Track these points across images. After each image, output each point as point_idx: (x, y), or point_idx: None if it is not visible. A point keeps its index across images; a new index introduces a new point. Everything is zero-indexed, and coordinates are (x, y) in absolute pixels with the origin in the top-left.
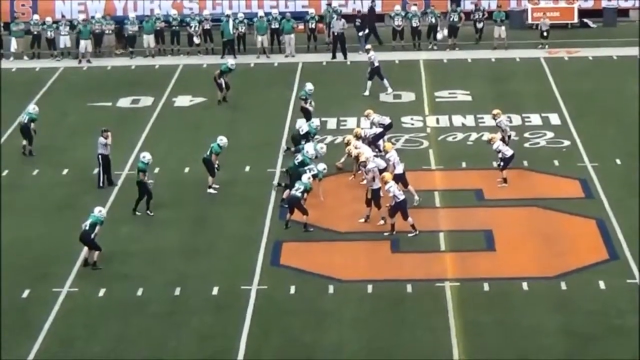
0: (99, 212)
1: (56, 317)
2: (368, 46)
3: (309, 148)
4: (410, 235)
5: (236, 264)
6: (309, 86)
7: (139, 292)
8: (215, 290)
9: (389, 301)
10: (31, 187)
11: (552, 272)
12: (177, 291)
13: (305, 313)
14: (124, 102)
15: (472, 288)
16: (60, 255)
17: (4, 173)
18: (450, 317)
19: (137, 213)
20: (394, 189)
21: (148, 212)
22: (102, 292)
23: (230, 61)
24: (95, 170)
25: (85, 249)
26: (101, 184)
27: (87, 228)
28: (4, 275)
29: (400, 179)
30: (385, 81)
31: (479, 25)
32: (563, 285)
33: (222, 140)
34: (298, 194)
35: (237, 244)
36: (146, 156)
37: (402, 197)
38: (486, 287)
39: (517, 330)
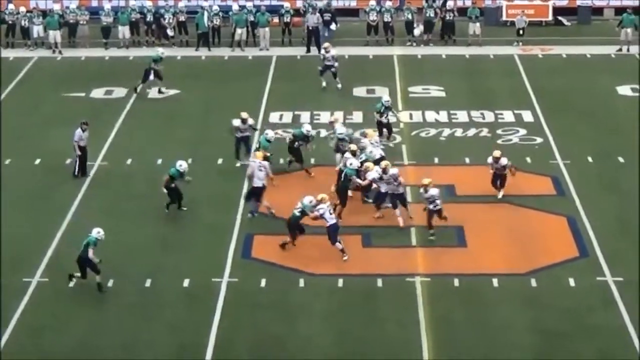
0: (97, 233)
1: (26, 306)
2: (326, 44)
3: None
4: (344, 258)
5: (207, 257)
6: (386, 97)
7: (110, 283)
8: (186, 283)
9: (359, 295)
10: (3, 176)
11: (522, 269)
12: (148, 283)
13: (275, 306)
14: (98, 93)
15: (442, 284)
16: (31, 245)
17: None
18: (420, 313)
19: (183, 208)
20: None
21: (183, 207)
22: (72, 283)
23: (159, 49)
24: (69, 161)
25: (56, 241)
26: (76, 173)
27: (82, 250)
28: None
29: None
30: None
31: (447, 19)
32: (533, 282)
33: (182, 166)
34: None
35: (208, 237)
36: (182, 165)
37: (332, 221)
38: (456, 282)
39: (487, 326)
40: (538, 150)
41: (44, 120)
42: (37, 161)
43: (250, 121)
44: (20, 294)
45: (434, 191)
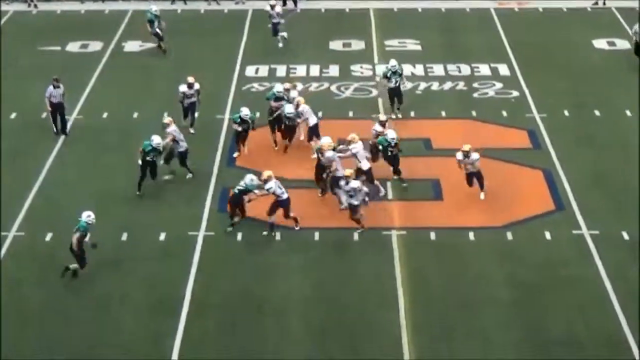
0: (87, 216)
1: (2, 261)
2: (272, 2)
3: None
4: (296, 228)
5: (184, 210)
6: (392, 62)
7: (86, 238)
8: (162, 236)
9: (335, 249)
10: None
11: (498, 222)
12: (124, 236)
13: (251, 260)
14: (73, 47)
15: (418, 237)
16: (7, 200)
17: None
18: (396, 266)
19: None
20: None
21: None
22: (49, 237)
23: (152, 7)
24: (44, 115)
25: (32, 195)
26: (55, 131)
27: (77, 241)
28: None
29: (366, 174)
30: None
31: None
32: (509, 235)
33: (154, 141)
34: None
35: (184, 191)
36: (154, 139)
37: (284, 196)
38: (433, 236)
39: (463, 279)
40: (514, 104)
41: (20, 75)
42: (13, 115)
43: (197, 86)
44: None
45: (475, 156)
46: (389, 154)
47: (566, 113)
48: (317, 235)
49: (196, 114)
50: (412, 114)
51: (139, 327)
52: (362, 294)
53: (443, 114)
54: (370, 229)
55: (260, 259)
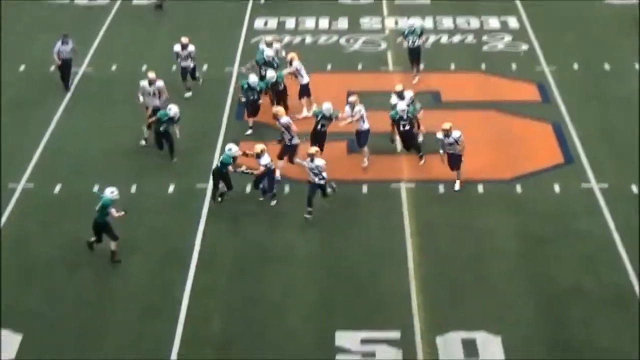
0: (111, 192)
1: (11, 213)
2: None
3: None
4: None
5: (192, 163)
6: (411, 21)
7: (95, 188)
8: (171, 189)
9: (344, 202)
10: None
11: (507, 175)
12: (133, 188)
13: (260, 212)
14: (81, 0)
15: (427, 190)
16: (17, 151)
17: None
18: (405, 218)
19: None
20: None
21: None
22: (57, 189)
23: None
24: (53, 68)
25: (40, 147)
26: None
27: (97, 215)
28: None
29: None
30: None
31: None
32: (518, 188)
33: (172, 110)
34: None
35: (194, 142)
36: (172, 109)
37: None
38: (441, 189)
39: (471, 231)
40: (523, 57)
41: (29, 28)
42: (22, 67)
43: (191, 48)
44: (6, 201)
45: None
46: (401, 128)
47: (575, 67)
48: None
49: (196, 74)
50: (421, 66)
51: (149, 278)
52: (370, 247)
53: (452, 67)
54: (379, 181)
55: (268, 210)
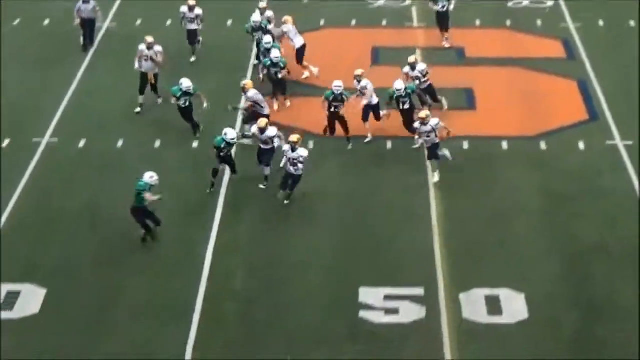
0: (150, 177)
1: (35, 168)
2: None
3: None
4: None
5: (216, 120)
6: None
7: (119, 144)
8: (195, 144)
9: (369, 157)
10: (12, 37)
11: (532, 132)
12: (157, 143)
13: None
14: None
15: (451, 146)
16: (41, 106)
17: None
18: (428, 174)
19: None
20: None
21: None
22: (82, 143)
23: None
24: (78, 21)
25: (65, 102)
26: (84, 45)
27: (134, 201)
28: None
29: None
30: None
31: None
32: (543, 145)
33: (183, 84)
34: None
35: (215, 98)
36: (183, 83)
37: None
38: (466, 145)
39: (495, 188)
40: (549, 13)
41: None
42: (46, 22)
43: (198, 11)
44: (30, 155)
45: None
46: (401, 106)
47: (601, 23)
48: (350, 144)
49: (199, 43)
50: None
51: (172, 235)
52: (394, 204)
53: (477, 23)
54: (404, 137)
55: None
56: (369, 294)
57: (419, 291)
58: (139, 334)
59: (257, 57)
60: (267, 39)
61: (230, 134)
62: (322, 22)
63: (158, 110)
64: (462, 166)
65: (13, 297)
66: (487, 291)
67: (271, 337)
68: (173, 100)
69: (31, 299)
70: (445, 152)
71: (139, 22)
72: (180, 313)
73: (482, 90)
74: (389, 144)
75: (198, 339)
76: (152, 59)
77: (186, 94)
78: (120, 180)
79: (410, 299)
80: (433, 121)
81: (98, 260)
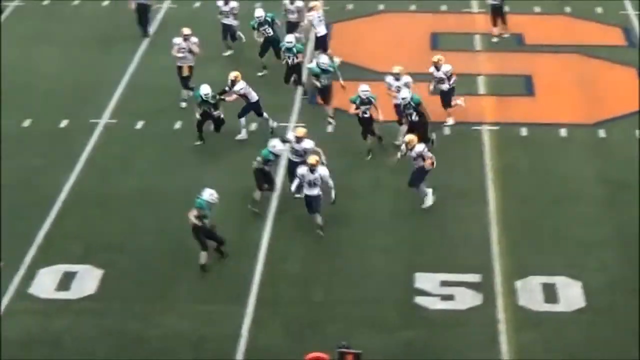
0: (210, 195)
1: (94, 148)
2: None
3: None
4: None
5: (273, 100)
6: None
7: (177, 125)
8: (253, 127)
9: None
10: (71, 15)
11: (590, 120)
12: (212, 126)
13: (345, 153)
14: None
15: (509, 132)
16: (99, 87)
17: (45, 2)
18: (486, 161)
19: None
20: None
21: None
22: (140, 125)
23: None
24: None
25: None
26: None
27: (196, 219)
28: (44, 104)
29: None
30: None
31: None
32: (601, 133)
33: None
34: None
35: (272, 81)
36: (277, 145)
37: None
38: (524, 132)
39: (552, 176)
40: (609, 1)
41: None
42: (105, 3)
43: (233, 4)
44: (88, 135)
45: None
46: (410, 118)
47: None
48: (406, 129)
49: (238, 34)
50: (507, 8)
51: (230, 216)
52: (451, 189)
53: (537, 10)
54: (461, 123)
55: (353, 150)
56: (425, 280)
57: (475, 277)
58: (196, 314)
59: (261, 53)
60: (289, 38)
61: (278, 145)
62: (380, 7)
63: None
64: (520, 152)
65: (70, 277)
66: (544, 279)
67: (326, 321)
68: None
69: (88, 280)
70: (428, 194)
71: (197, 4)
72: (237, 294)
73: (541, 77)
74: (447, 129)
75: (254, 320)
76: (189, 51)
77: (205, 101)
78: (177, 162)
79: (466, 285)
80: (418, 147)
81: (155, 240)
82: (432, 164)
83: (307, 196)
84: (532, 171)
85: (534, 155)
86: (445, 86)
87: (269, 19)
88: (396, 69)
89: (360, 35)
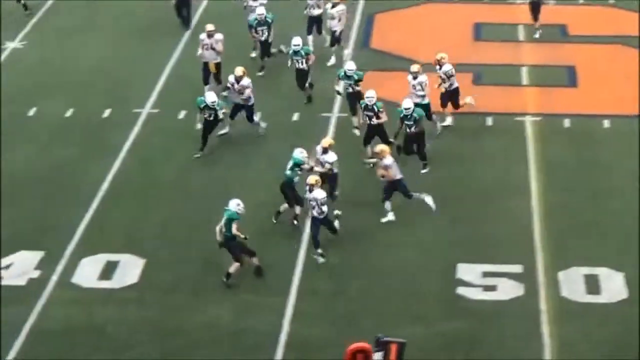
0: (237, 205)
1: (136, 138)
2: None
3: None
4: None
5: (318, 92)
6: None
7: (220, 116)
8: (295, 117)
9: (468, 133)
10: (115, 6)
11: (634, 110)
12: (257, 116)
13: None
14: None
15: (552, 124)
16: (143, 77)
17: None
18: (529, 152)
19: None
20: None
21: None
22: (182, 114)
23: None
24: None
25: (165, 74)
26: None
27: (224, 230)
28: (86, 94)
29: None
30: None
31: None
32: None
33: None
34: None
35: (317, 73)
36: (304, 152)
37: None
38: (567, 123)
39: (596, 167)
40: None
41: None
42: None
43: (261, 10)
44: (131, 125)
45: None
46: (409, 129)
47: None
48: (449, 120)
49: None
50: (552, 2)
51: (270, 209)
52: (493, 179)
53: (581, 0)
54: (504, 114)
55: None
56: (467, 270)
57: (517, 268)
58: (237, 305)
59: (265, 55)
60: (296, 40)
61: (304, 152)
62: None
63: (257, 84)
64: (563, 143)
65: (112, 267)
66: (586, 270)
67: (366, 312)
68: (198, 117)
69: (130, 269)
70: (388, 212)
71: None
72: (277, 285)
73: (584, 68)
74: (489, 120)
75: (295, 311)
76: (212, 48)
77: (209, 108)
78: (217, 151)
79: (509, 276)
80: (387, 160)
81: (196, 231)
82: (383, 176)
83: (312, 221)
84: (575, 162)
85: (577, 146)
86: (444, 86)
87: (269, 20)
88: (414, 68)
89: (402, 26)
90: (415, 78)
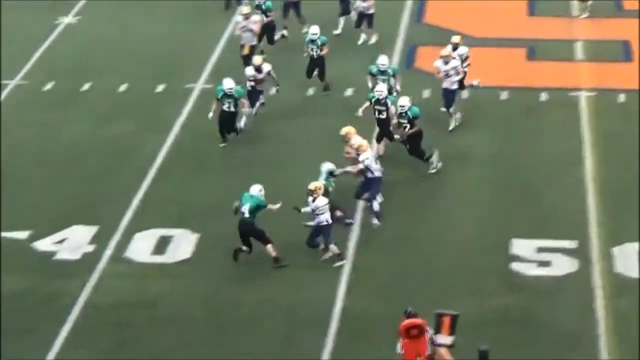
0: (259, 191)
1: (189, 112)
2: None
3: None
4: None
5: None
6: None
7: (272, 91)
8: (349, 92)
9: (522, 108)
10: None
11: None
12: (310, 92)
13: (436, 118)
14: None
15: (607, 99)
16: (195, 52)
17: None
18: (583, 127)
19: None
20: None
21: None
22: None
23: None
24: None
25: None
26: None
27: (246, 215)
28: (139, 70)
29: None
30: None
31: None
32: None
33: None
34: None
35: (370, 48)
36: (331, 166)
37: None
38: (622, 98)
39: None
40: None
41: None
42: None
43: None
44: (184, 100)
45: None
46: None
47: None
48: (504, 95)
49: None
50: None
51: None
52: (548, 154)
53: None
54: (559, 89)
55: (445, 117)
56: (521, 246)
57: (572, 244)
58: (290, 279)
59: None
60: (314, 29)
61: (331, 165)
62: None
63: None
64: (618, 118)
65: (165, 241)
66: None
67: (420, 287)
68: (213, 107)
69: (183, 244)
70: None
71: None
72: (331, 260)
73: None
74: (544, 95)
75: (349, 286)
76: (249, 30)
77: (228, 95)
78: (271, 125)
79: (563, 252)
80: (364, 155)
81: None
82: (358, 172)
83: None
84: (630, 137)
85: (632, 121)
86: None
87: (264, 7)
88: (455, 39)
89: (457, 0)
90: (455, 49)
